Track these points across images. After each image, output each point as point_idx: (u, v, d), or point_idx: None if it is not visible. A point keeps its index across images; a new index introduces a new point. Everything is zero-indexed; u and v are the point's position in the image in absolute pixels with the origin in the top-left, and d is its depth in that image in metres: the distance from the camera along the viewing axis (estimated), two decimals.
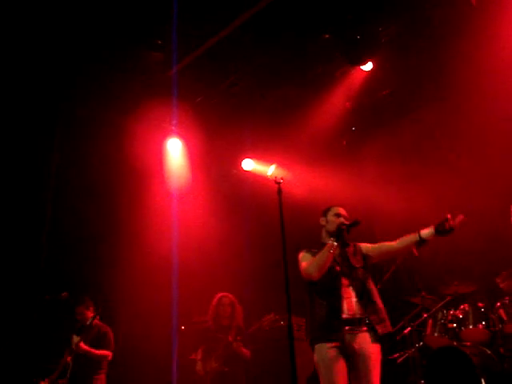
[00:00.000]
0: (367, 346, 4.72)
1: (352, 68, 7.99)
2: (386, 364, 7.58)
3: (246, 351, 6.94)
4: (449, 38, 7.31)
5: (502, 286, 6.83)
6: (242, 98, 8.45)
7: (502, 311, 6.62)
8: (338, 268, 4.92)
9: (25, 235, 7.64)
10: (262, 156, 9.40)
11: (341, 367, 4.71)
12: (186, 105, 8.33)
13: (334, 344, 4.73)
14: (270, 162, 9.08)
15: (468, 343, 6.57)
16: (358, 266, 4.94)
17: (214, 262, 8.49)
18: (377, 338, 4.77)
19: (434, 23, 7.24)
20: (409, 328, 7.17)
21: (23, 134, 7.51)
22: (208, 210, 8.84)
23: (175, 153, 9.12)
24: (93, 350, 6.76)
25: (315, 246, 5.04)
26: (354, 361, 4.72)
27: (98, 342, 6.84)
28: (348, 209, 8.76)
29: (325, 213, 5.26)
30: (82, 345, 6.72)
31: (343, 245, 5.06)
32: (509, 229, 6.68)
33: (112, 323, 7.22)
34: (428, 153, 8.57)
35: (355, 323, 4.76)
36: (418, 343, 7.10)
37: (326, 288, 4.85)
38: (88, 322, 6.88)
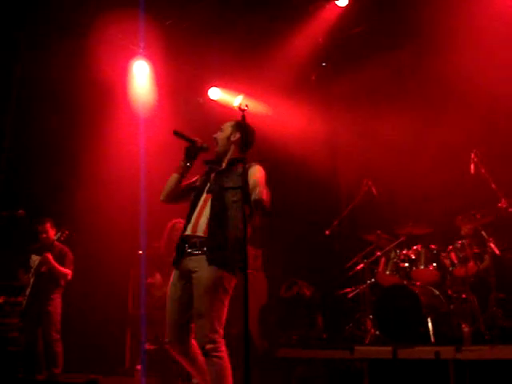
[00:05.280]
0: (202, 269, 4.14)
1: (326, 2, 7.86)
2: (336, 299, 7.87)
3: None
4: None
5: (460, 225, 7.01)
6: (213, 24, 8.25)
7: (453, 254, 6.81)
8: (201, 185, 4.51)
9: None
10: (230, 85, 9.29)
11: (173, 293, 4.28)
12: (155, 27, 8.10)
13: (176, 267, 4.35)
14: (237, 92, 9.00)
15: (418, 283, 6.76)
16: (227, 186, 4.35)
17: None
18: (212, 260, 4.15)
19: None
20: (362, 265, 7.34)
21: None
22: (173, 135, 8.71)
23: (141, 75, 8.94)
24: (57, 266, 6.78)
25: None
26: (191, 286, 4.20)
27: (60, 261, 6.84)
28: (313, 143, 8.85)
29: None
30: (50, 257, 6.73)
31: (213, 163, 4.59)
32: (467, 175, 6.81)
33: (71, 245, 7.19)
34: (395, 95, 8.58)
35: (194, 244, 4.25)
36: (370, 280, 7.28)
37: (190, 204, 4.48)
38: (52, 241, 6.86)
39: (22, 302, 6.78)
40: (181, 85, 9.15)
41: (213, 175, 4.51)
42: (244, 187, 4.25)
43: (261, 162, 4.46)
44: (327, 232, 7.86)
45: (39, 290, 6.76)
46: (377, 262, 7.32)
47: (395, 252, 7.12)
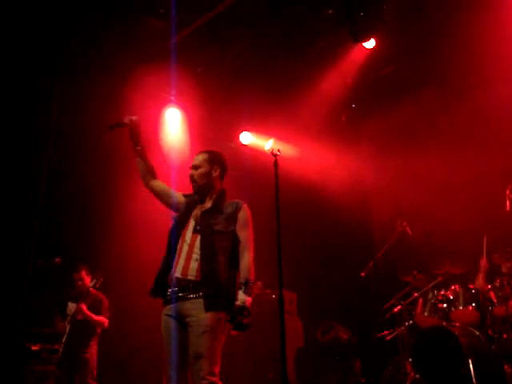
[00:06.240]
0: (199, 313, 4.08)
1: (354, 44, 7.93)
2: (374, 342, 7.73)
3: None
4: (452, 19, 7.25)
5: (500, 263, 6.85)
6: (242, 70, 8.38)
7: (492, 293, 6.67)
8: (182, 217, 4.43)
9: (20, 200, 7.62)
10: (261, 130, 9.37)
11: (173, 338, 4.20)
12: (186, 75, 8.25)
13: (167, 310, 4.26)
14: (268, 135, 9.06)
15: (457, 324, 6.62)
16: (216, 229, 4.29)
17: None
18: (210, 306, 4.09)
19: (438, 2, 7.19)
20: (399, 306, 7.23)
21: (21, 97, 7.44)
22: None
23: (173, 123, 9.08)
24: (92, 315, 6.79)
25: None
26: (186, 327, 4.15)
27: (95, 308, 6.86)
28: (344, 184, 8.84)
29: None
30: (85, 308, 6.75)
31: (201, 200, 4.51)
32: (503, 212, 6.72)
33: (104, 291, 7.23)
34: (426, 133, 8.57)
35: (187, 287, 4.16)
36: (408, 322, 7.15)
37: (170, 240, 4.40)
38: (88, 288, 6.91)
39: (58, 349, 6.79)
40: (212, 130, 9.27)
41: (196, 213, 4.42)
42: (233, 231, 4.30)
43: (245, 202, 4.47)
44: (362, 274, 7.79)
45: (75, 337, 6.76)
46: (414, 303, 7.20)
47: (433, 292, 7.00)
